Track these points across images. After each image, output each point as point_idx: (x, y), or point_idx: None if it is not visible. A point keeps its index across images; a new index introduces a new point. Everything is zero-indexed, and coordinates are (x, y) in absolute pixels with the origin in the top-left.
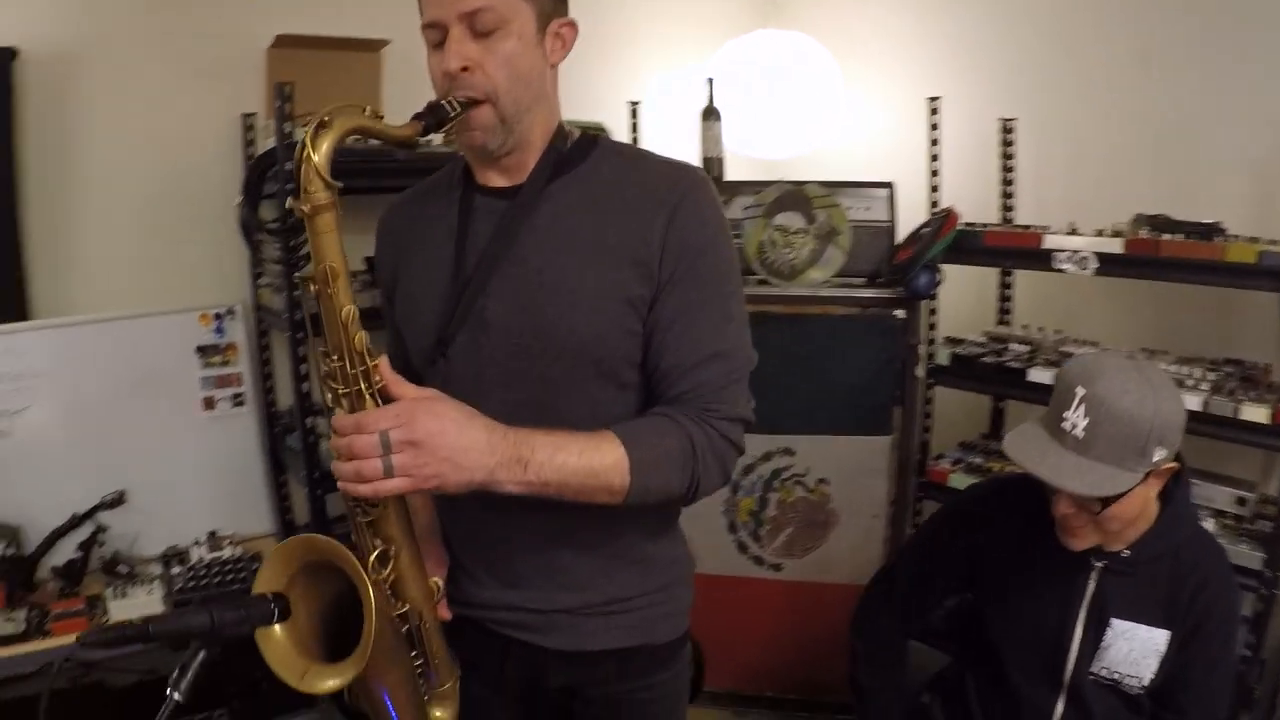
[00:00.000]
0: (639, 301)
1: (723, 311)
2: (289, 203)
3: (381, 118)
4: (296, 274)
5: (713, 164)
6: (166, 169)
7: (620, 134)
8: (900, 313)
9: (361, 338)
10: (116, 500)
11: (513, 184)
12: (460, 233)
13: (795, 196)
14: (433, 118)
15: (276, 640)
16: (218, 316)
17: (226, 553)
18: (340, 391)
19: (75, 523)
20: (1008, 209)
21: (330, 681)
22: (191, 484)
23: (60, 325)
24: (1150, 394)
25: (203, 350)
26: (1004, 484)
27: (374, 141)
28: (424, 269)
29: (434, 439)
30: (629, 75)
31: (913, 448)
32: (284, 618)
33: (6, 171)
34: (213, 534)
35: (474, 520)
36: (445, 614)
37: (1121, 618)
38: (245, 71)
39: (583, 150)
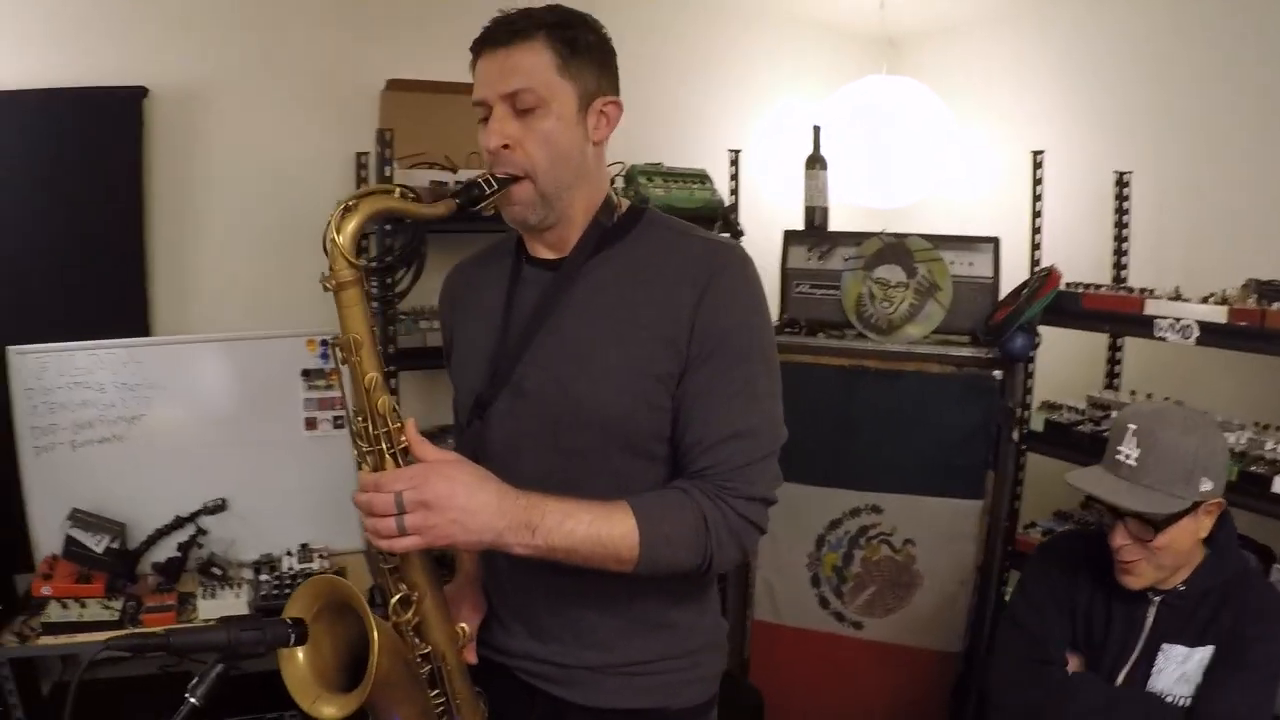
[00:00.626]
0: (667, 378)
1: (748, 391)
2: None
3: (417, 198)
4: (391, 309)
5: (816, 213)
6: (282, 202)
7: (720, 182)
8: (998, 374)
9: (384, 402)
10: (218, 507)
11: (558, 256)
12: (507, 301)
13: (897, 249)
14: (466, 195)
15: (298, 665)
16: (324, 343)
17: (315, 565)
18: (365, 450)
19: (178, 524)
20: (1120, 268)
21: (330, 709)
22: (289, 497)
23: (179, 342)
24: (1196, 429)
25: (308, 374)
26: (1063, 542)
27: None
28: (474, 333)
29: (443, 501)
30: (733, 122)
31: (1003, 514)
32: (300, 643)
33: (136, 201)
34: (304, 546)
35: (507, 573)
36: (471, 658)
37: (1170, 642)
38: (359, 112)
39: (627, 224)
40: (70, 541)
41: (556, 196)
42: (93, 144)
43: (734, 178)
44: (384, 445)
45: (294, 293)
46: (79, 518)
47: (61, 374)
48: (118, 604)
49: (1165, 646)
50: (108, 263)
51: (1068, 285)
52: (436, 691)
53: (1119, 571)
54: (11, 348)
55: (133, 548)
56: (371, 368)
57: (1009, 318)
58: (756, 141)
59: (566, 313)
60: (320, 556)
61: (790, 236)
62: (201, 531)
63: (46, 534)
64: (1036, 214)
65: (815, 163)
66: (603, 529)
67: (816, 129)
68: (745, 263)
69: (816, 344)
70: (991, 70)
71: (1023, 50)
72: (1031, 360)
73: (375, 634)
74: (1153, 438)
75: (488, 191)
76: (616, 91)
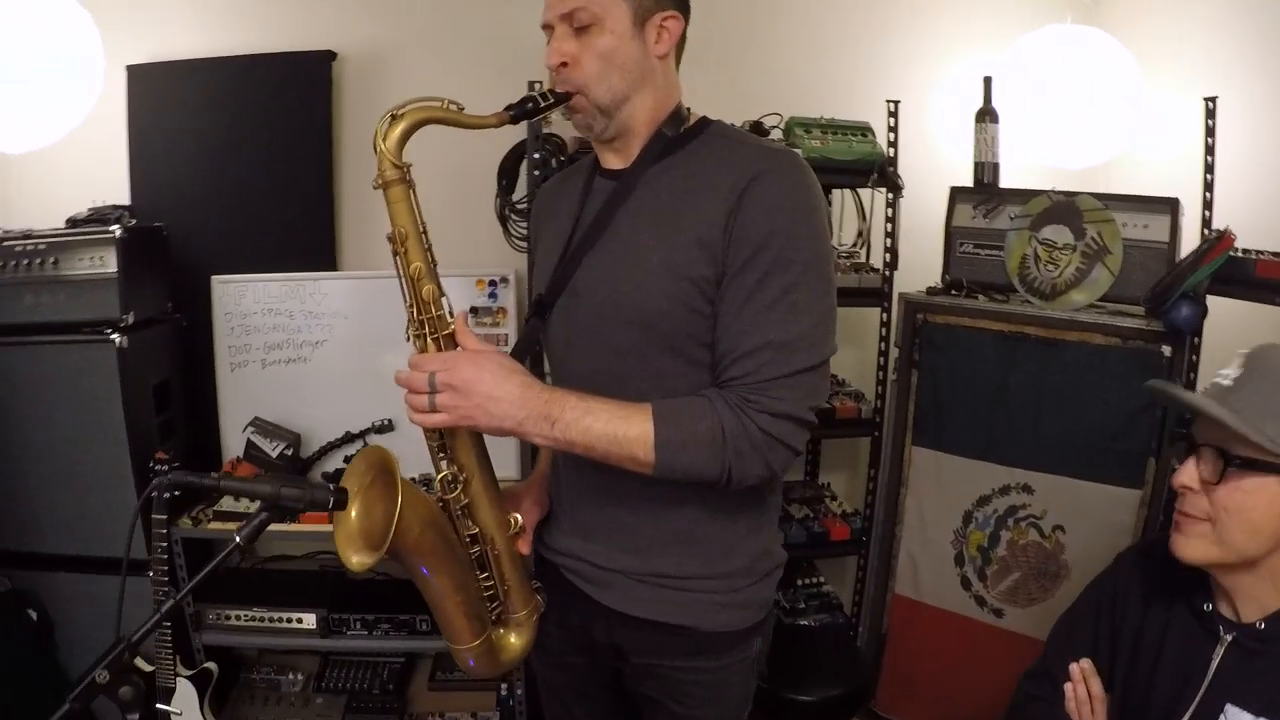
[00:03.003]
0: (704, 282)
1: (786, 301)
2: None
3: (462, 109)
4: None
5: (985, 169)
6: (458, 154)
7: (879, 134)
8: (1167, 349)
9: (429, 290)
10: (385, 426)
11: (624, 166)
12: (578, 211)
13: (1065, 208)
14: (520, 109)
15: (349, 524)
16: (492, 283)
17: None
18: (413, 334)
19: (347, 439)
20: None
21: (357, 558)
22: None
23: (360, 277)
24: None
25: (476, 310)
26: (1129, 554)
27: None
28: (549, 241)
29: (470, 385)
30: (898, 73)
31: (1161, 509)
32: (339, 508)
33: (327, 153)
34: None
35: (563, 471)
36: (524, 547)
37: (1238, 705)
38: (530, 70)
39: (689, 135)
40: (250, 446)
41: (615, 107)
42: (289, 102)
43: (893, 129)
44: (428, 330)
45: (466, 236)
46: (260, 424)
47: (257, 301)
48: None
49: (1231, 710)
50: (302, 206)
51: (1242, 251)
52: (485, 574)
53: (1174, 531)
54: (215, 277)
55: (305, 457)
56: (417, 258)
57: (1168, 284)
58: (923, 94)
59: (622, 219)
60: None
61: (957, 194)
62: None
63: (233, 440)
64: (1209, 169)
65: (985, 116)
66: (619, 428)
67: (988, 80)
68: (793, 169)
69: (974, 306)
70: (1181, 19)
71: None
72: (1198, 334)
73: (401, 496)
74: (1259, 361)
75: (541, 105)
76: (679, 6)
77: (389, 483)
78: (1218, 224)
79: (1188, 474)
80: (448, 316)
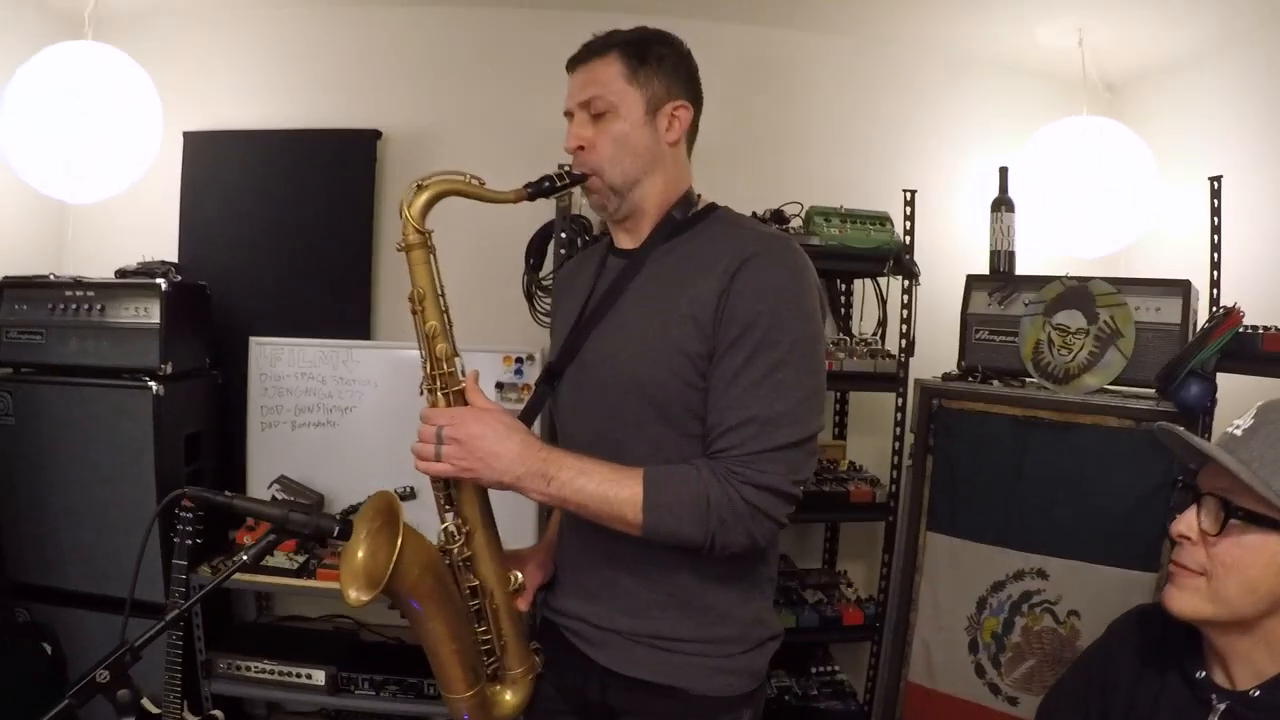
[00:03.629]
0: (697, 357)
1: (772, 380)
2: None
3: (482, 184)
4: None
5: (1001, 258)
6: (490, 233)
7: (897, 224)
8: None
9: (443, 348)
10: (408, 494)
11: (635, 246)
12: (591, 287)
13: (1078, 293)
14: (537, 187)
15: (354, 562)
16: (518, 360)
17: None
18: (425, 388)
19: None
20: None
21: (354, 594)
22: None
23: (393, 347)
24: None
25: (501, 386)
26: (1120, 622)
27: None
28: (565, 314)
29: (473, 440)
30: (916, 164)
31: None
32: (342, 538)
33: (368, 226)
34: None
35: (568, 534)
36: (522, 605)
37: None
38: (556, 155)
39: (696, 219)
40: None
41: (627, 188)
42: (335, 175)
43: (909, 218)
44: (439, 385)
45: (493, 313)
46: (285, 482)
47: (291, 364)
48: (300, 558)
49: None
50: (341, 275)
51: (1248, 327)
52: (483, 628)
53: (1168, 585)
54: (254, 338)
55: None
56: (433, 317)
57: (1179, 361)
58: (940, 185)
59: (629, 296)
60: None
61: (972, 281)
62: None
63: (259, 496)
64: (1215, 248)
65: (1001, 205)
66: (610, 490)
67: (1004, 170)
68: (785, 253)
69: (988, 391)
70: (1191, 110)
71: (1234, 85)
72: (1209, 413)
73: (402, 537)
74: (1273, 413)
75: (557, 184)
76: (690, 97)
77: (394, 526)
78: (1225, 302)
79: (1186, 523)
80: (459, 375)
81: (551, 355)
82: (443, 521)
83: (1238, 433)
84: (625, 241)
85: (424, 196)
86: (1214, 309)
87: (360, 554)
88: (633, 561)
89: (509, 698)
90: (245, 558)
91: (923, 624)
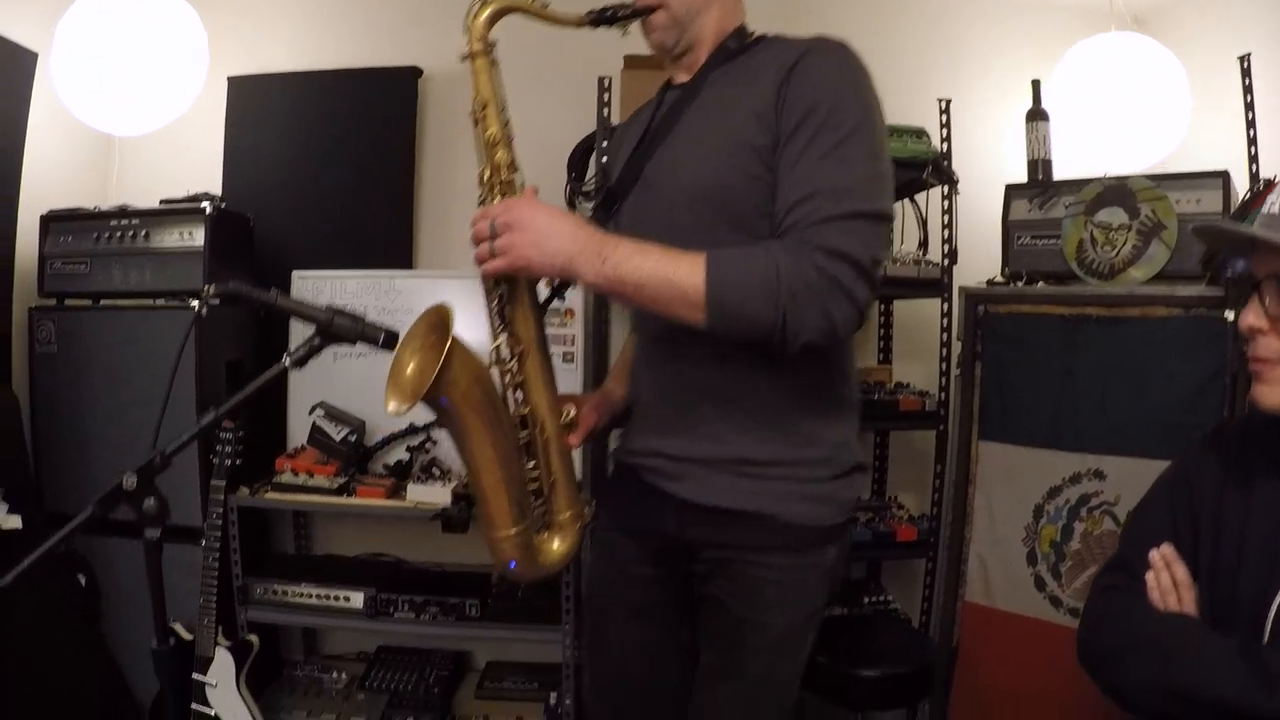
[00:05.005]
0: (762, 149)
1: (837, 155)
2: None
3: (546, 6)
4: None
5: (1039, 166)
6: (533, 161)
7: (933, 132)
8: (1229, 314)
9: (502, 155)
10: None
11: (691, 79)
12: (648, 123)
13: (1118, 191)
14: (600, 14)
15: (400, 375)
16: (553, 286)
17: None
18: (483, 197)
19: (411, 431)
20: None
21: (394, 403)
22: None
23: (435, 276)
24: None
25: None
26: (1197, 442)
27: None
28: (622, 155)
29: (525, 222)
30: (949, 78)
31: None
32: (387, 347)
33: (410, 161)
34: None
35: (639, 374)
36: (573, 441)
37: None
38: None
39: (751, 44)
40: (315, 430)
41: (689, 20)
42: (376, 113)
43: (945, 125)
44: (497, 192)
45: None
46: (327, 408)
47: (333, 296)
48: (341, 480)
49: None
50: (382, 209)
51: None
52: (533, 464)
53: (1252, 383)
54: (296, 271)
55: (369, 445)
56: (494, 125)
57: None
58: (974, 97)
59: (690, 113)
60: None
61: (1011, 190)
62: (432, 441)
63: (299, 429)
64: (1250, 124)
65: (1036, 116)
66: (670, 267)
67: (1036, 83)
68: (840, 49)
69: (1034, 293)
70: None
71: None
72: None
73: (451, 344)
74: None
75: (619, 14)
76: None
77: (446, 338)
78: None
79: (1254, 314)
80: (518, 186)
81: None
82: (495, 340)
83: (1275, 209)
84: (682, 76)
85: (488, 10)
86: (1253, 185)
87: (409, 365)
88: (709, 386)
89: (556, 545)
90: (289, 361)
91: (978, 539)
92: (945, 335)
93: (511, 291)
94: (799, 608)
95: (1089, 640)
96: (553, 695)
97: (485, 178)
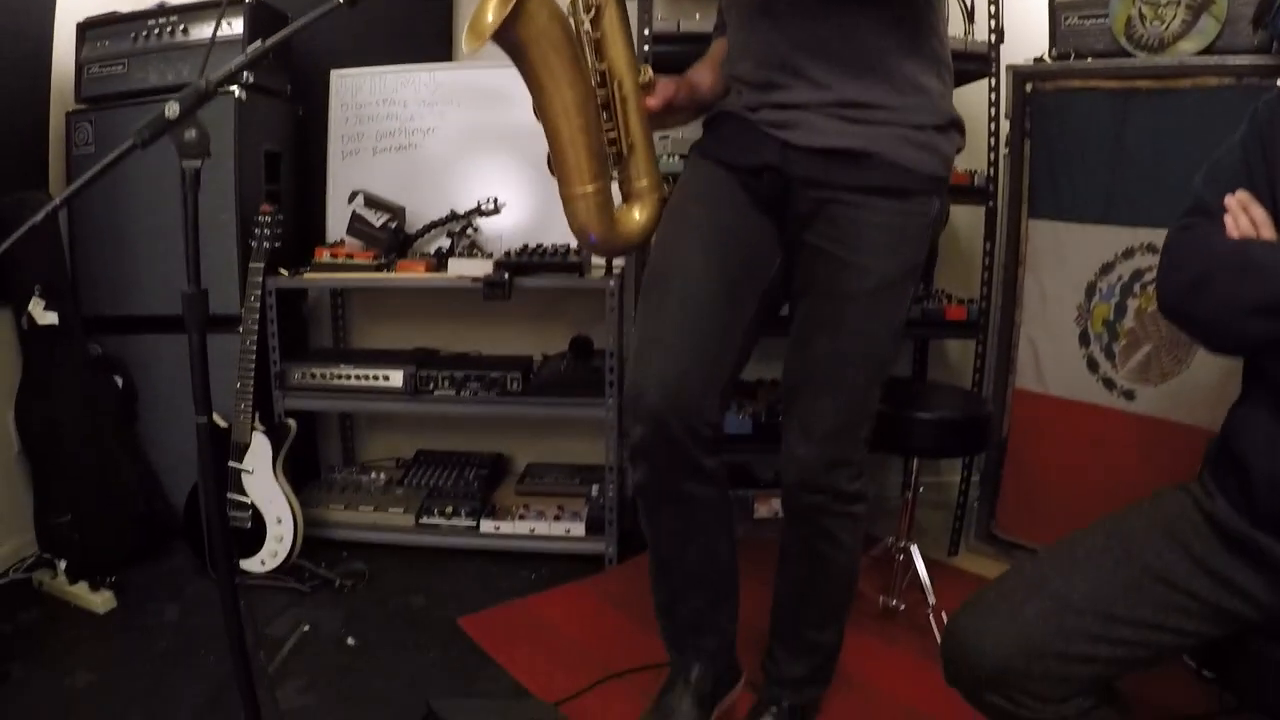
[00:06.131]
0: None
1: None
2: None
3: None
4: None
5: None
6: None
7: None
8: None
9: None
10: (493, 210)
11: None
12: None
13: None
14: None
15: (480, 17)
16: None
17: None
18: None
19: (452, 217)
20: None
21: (468, 43)
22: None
23: (474, 67)
24: None
25: None
26: (1264, 101)
27: None
28: None
29: None
30: None
31: None
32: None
33: None
34: (568, 247)
35: (739, 48)
36: (651, 103)
37: None
38: None
39: None
40: (355, 219)
41: None
42: None
43: None
44: None
45: None
46: (366, 196)
47: (373, 93)
48: (380, 260)
49: None
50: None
51: None
52: (610, 124)
53: None
54: (335, 70)
55: (410, 232)
56: None
57: None
58: None
59: None
60: (576, 254)
61: None
62: (473, 227)
63: (338, 223)
64: None
65: None
66: None
67: None
68: None
69: (1083, 67)
70: None
71: None
72: None
73: None
74: None
75: None
76: None
77: None
78: None
79: None
80: None
81: None
82: None
83: None
84: None
85: None
86: None
87: (487, 8)
88: (811, 41)
89: (637, 215)
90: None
91: (1029, 321)
92: (994, 108)
93: None
94: (900, 257)
95: (1169, 275)
96: (594, 487)
97: None
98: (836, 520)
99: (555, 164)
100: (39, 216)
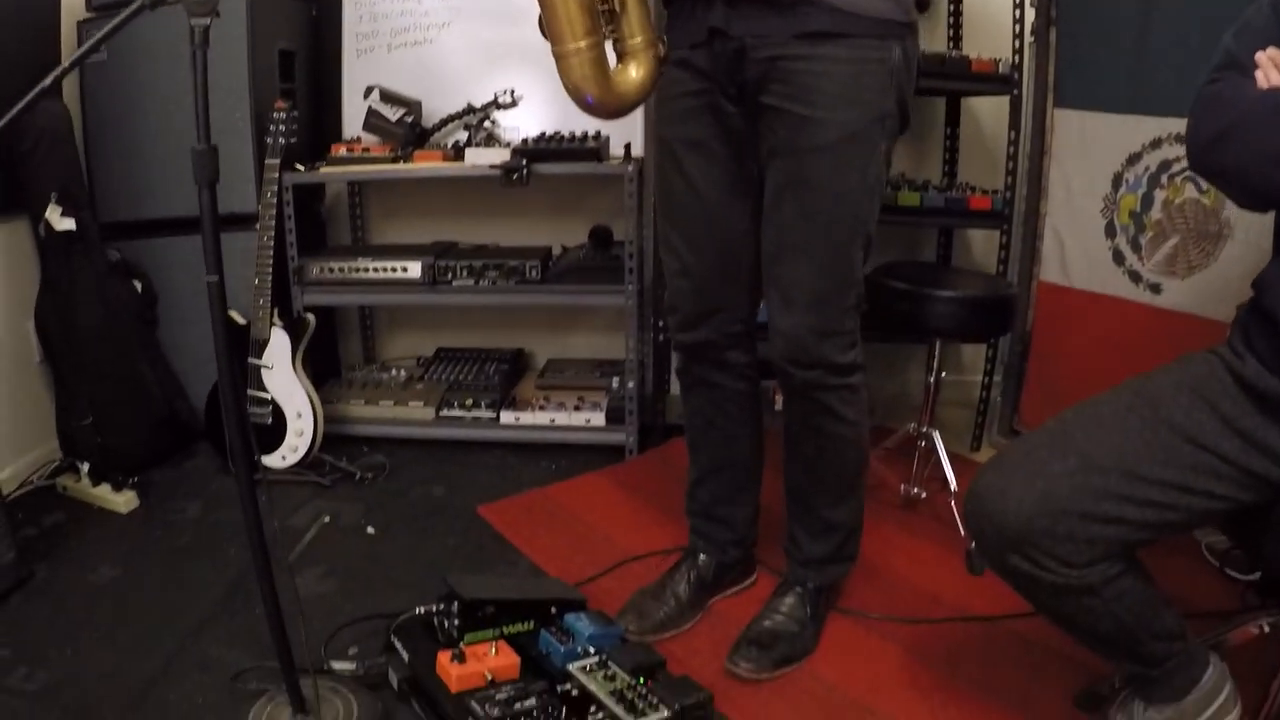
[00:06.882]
0: None
1: None
2: None
3: None
4: None
5: None
6: None
7: None
8: None
9: None
10: (511, 103)
11: None
12: None
13: None
14: None
15: None
16: None
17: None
18: None
19: (469, 111)
20: None
21: None
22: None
23: None
24: None
25: None
26: None
27: None
28: None
29: None
30: None
31: None
32: None
33: None
34: (585, 133)
35: None
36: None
37: None
38: None
39: None
40: (371, 114)
41: None
42: None
43: None
44: None
45: None
46: (382, 91)
47: None
48: (395, 154)
49: None
50: None
51: None
52: None
53: None
54: None
55: (427, 126)
56: None
57: None
58: None
59: None
60: (594, 139)
61: None
62: (491, 120)
63: (354, 120)
64: None
65: None
66: None
67: None
68: None
69: None
70: None
71: None
72: None
73: None
74: None
75: None
76: None
77: None
78: None
79: None
80: None
81: None
82: None
83: None
84: None
85: None
86: None
87: None
88: None
89: (633, 73)
90: None
91: (1054, 213)
92: (1018, 1)
93: None
94: (861, 106)
95: (1199, 127)
96: (614, 379)
97: None
98: (834, 394)
99: (546, 21)
100: (47, 82)
